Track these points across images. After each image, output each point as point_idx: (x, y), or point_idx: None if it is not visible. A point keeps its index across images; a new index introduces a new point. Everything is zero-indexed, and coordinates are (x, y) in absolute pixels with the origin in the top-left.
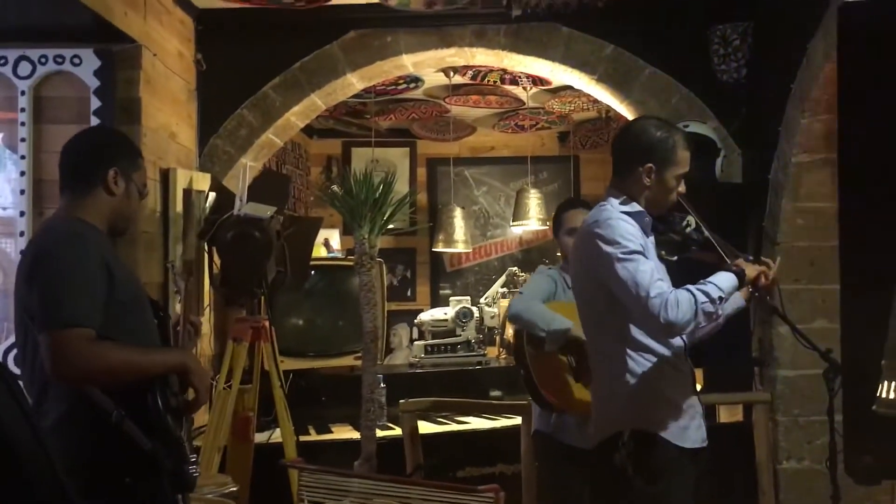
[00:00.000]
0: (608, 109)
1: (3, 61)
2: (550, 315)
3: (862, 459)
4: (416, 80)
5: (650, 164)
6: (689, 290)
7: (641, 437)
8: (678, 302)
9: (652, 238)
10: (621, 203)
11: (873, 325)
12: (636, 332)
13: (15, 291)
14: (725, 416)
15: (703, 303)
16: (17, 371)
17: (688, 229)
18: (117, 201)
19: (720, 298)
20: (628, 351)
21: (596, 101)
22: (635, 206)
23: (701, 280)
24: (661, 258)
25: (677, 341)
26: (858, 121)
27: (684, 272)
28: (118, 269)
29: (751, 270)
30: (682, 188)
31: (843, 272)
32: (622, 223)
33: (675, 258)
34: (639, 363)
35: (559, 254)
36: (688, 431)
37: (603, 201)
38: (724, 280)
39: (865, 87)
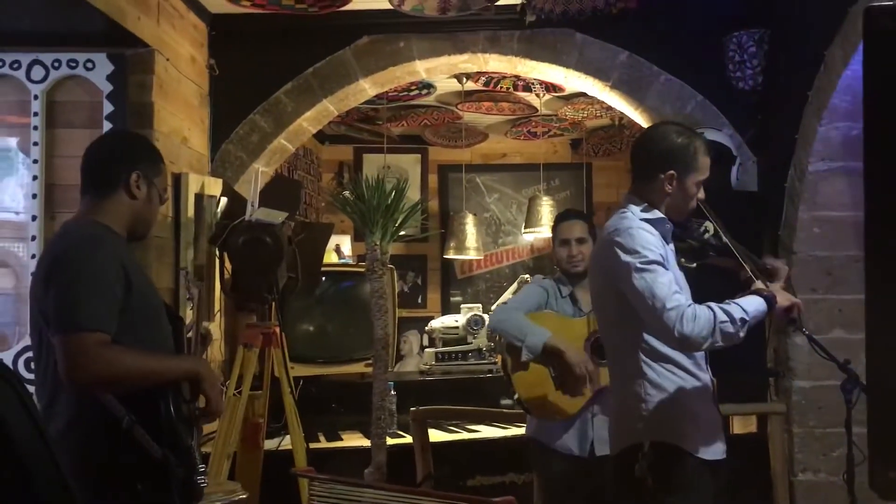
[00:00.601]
0: (621, 117)
1: (16, 65)
2: (528, 326)
3: (887, 474)
4: (428, 87)
5: (672, 171)
6: (710, 307)
7: (662, 448)
8: (695, 317)
9: (671, 245)
10: (642, 210)
11: None
12: (656, 343)
13: (31, 293)
14: (739, 427)
15: (722, 322)
16: (28, 376)
17: (706, 235)
18: (139, 205)
19: (742, 321)
20: (648, 361)
21: (609, 108)
22: (656, 213)
23: (726, 299)
24: (680, 265)
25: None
26: (885, 126)
27: (704, 279)
28: (136, 275)
29: (782, 299)
30: (701, 194)
31: (868, 281)
32: (643, 232)
33: (695, 265)
34: (659, 374)
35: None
36: (708, 443)
37: (622, 208)
38: (750, 303)
39: (892, 90)
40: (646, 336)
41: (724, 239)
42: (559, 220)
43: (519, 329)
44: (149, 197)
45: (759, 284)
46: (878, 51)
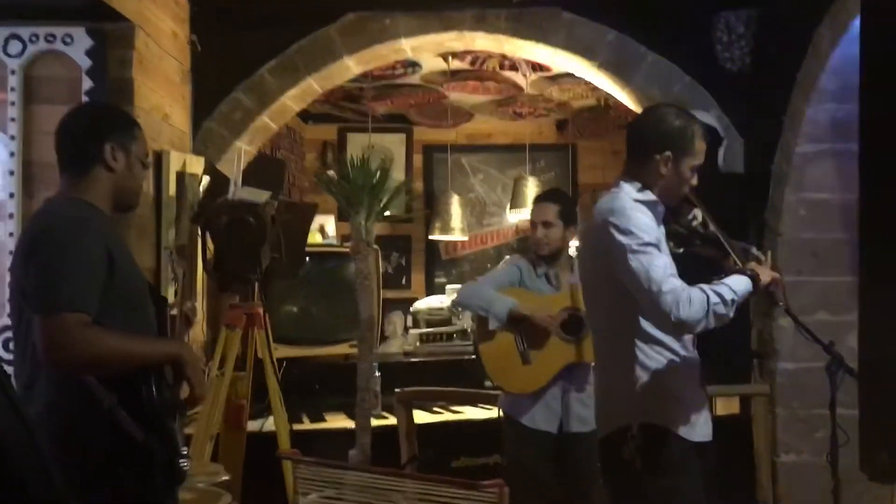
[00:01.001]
0: (607, 97)
1: None
2: (492, 295)
3: (879, 456)
4: (413, 66)
5: (668, 153)
6: (702, 289)
7: (651, 430)
8: (690, 300)
9: (662, 228)
10: (637, 191)
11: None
12: (647, 325)
13: (11, 272)
14: (722, 408)
15: (715, 304)
16: (7, 356)
17: (694, 223)
18: (118, 176)
19: (732, 301)
20: (638, 343)
21: (595, 89)
22: (649, 195)
23: (714, 279)
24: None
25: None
26: (882, 106)
27: (686, 266)
28: (120, 255)
29: (765, 275)
30: (694, 180)
31: (862, 263)
32: (638, 213)
33: (682, 251)
34: (649, 356)
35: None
36: (696, 425)
37: (614, 187)
38: (738, 283)
39: (889, 70)
40: (637, 318)
41: (712, 228)
42: (534, 202)
43: (484, 299)
44: (128, 166)
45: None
46: (876, 27)
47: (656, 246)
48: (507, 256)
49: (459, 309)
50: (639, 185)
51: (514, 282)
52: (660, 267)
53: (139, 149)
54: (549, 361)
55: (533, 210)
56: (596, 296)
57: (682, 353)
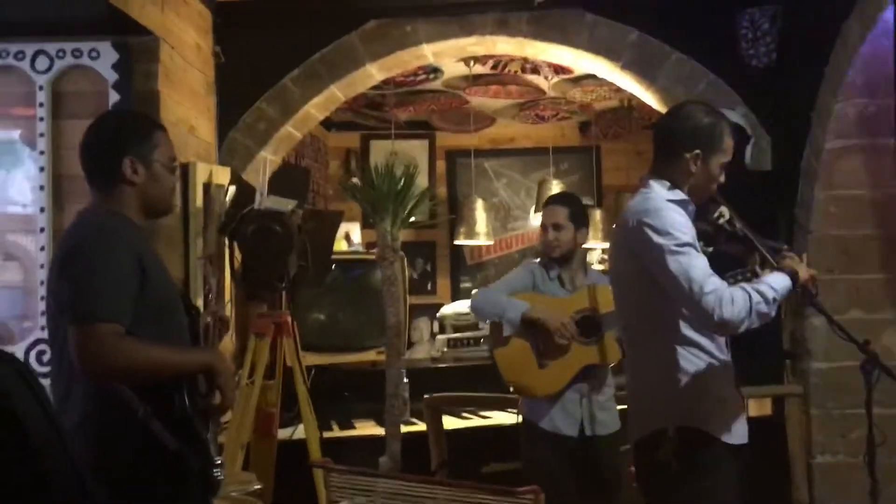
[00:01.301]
0: (630, 98)
1: (20, 56)
2: (506, 300)
3: None
4: (435, 71)
5: (698, 151)
6: (744, 288)
7: (688, 433)
8: (733, 300)
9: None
10: (667, 190)
11: None
12: (684, 327)
13: (47, 284)
14: (753, 409)
15: (757, 303)
16: (40, 369)
17: (720, 220)
18: (143, 188)
19: (774, 300)
20: (675, 346)
21: (618, 90)
22: (679, 194)
23: (740, 274)
24: None
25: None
26: None
27: (714, 264)
28: (152, 266)
29: (803, 272)
30: (722, 178)
31: None
32: (673, 213)
33: (710, 249)
34: (686, 359)
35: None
36: (733, 428)
37: (643, 187)
38: (778, 281)
39: None
40: (673, 320)
41: (738, 225)
42: (543, 205)
43: (497, 305)
44: (151, 176)
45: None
46: None
47: (693, 246)
48: (524, 261)
49: (475, 315)
50: (668, 183)
51: (527, 286)
52: (700, 267)
53: (162, 154)
54: (566, 364)
55: (543, 213)
56: (629, 297)
57: (718, 355)
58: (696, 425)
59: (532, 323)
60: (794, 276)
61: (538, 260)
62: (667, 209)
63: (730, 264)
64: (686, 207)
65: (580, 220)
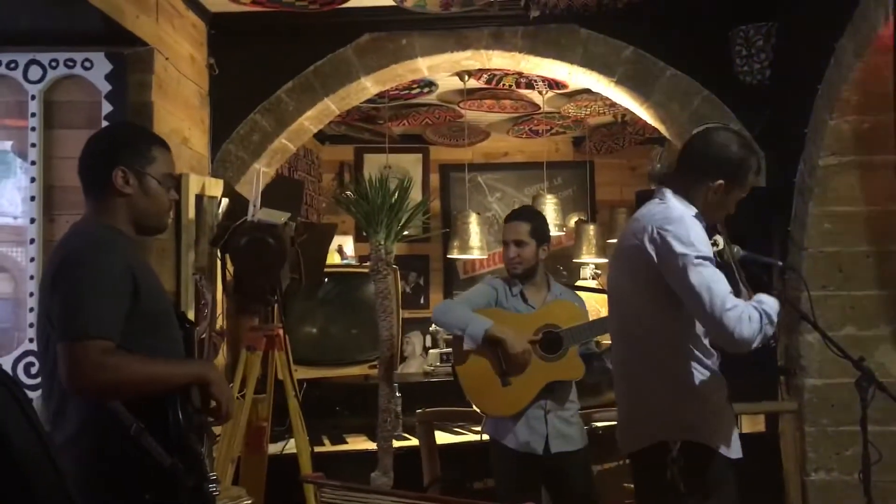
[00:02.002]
0: (624, 113)
1: (13, 65)
2: (469, 315)
3: None
4: (429, 85)
5: (721, 182)
6: (755, 307)
7: (694, 449)
8: (751, 318)
9: None
10: (681, 203)
11: None
12: (691, 341)
13: (39, 298)
14: (748, 426)
15: (765, 324)
16: (28, 381)
17: (714, 249)
18: (134, 200)
19: (773, 323)
20: (681, 360)
21: (612, 105)
22: (693, 209)
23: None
24: None
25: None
26: None
27: None
28: (145, 279)
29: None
30: (733, 210)
31: None
32: (697, 226)
33: None
34: (691, 373)
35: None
36: (733, 442)
37: (658, 196)
38: (774, 305)
39: None
40: (680, 333)
41: (727, 258)
42: (506, 220)
43: (461, 319)
44: (143, 189)
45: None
46: None
47: (711, 259)
48: (486, 277)
49: (437, 327)
50: (684, 200)
51: (490, 302)
52: (721, 282)
53: (157, 170)
54: (529, 381)
55: (504, 229)
56: (631, 308)
57: (715, 369)
58: (700, 440)
59: (494, 341)
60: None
61: (500, 276)
62: (689, 219)
63: None
64: (699, 223)
65: (542, 236)
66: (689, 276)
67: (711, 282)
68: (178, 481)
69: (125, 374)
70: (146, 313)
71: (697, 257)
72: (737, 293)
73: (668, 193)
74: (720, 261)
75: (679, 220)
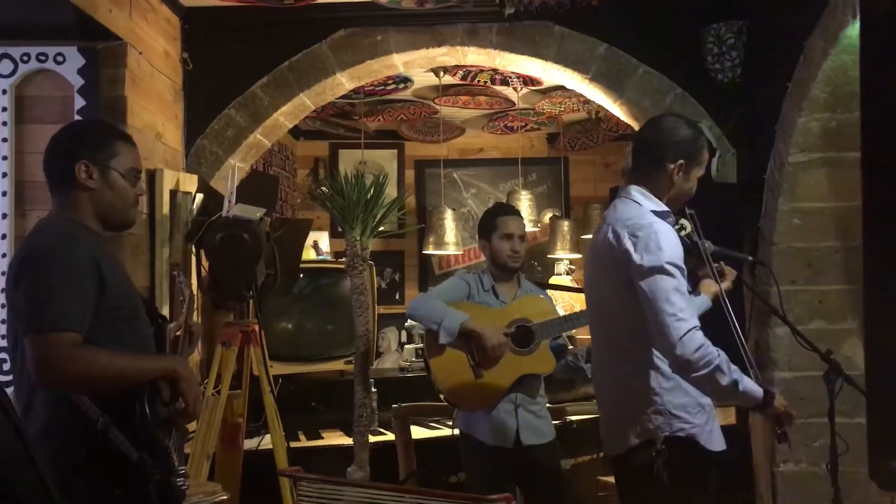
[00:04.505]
0: (598, 110)
1: None
2: (444, 309)
3: (888, 463)
4: (405, 81)
5: (681, 161)
6: (718, 350)
7: (677, 443)
8: (701, 345)
9: None
10: (650, 200)
11: None
12: None
13: (5, 294)
14: (720, 418)
15: (720, 370)
16: (1, 378)
17: (681, 232)
18: (98, 195)
19: (733, 385)
20: (660, 357)
21: (586, 102)
22: (661, 205)
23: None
24: None
25: None
26: (883, 113)
27: None
28: (111, 273)
29: (779, 403)
30: (695, 189)
31: (867, 267)
32: (666, 231)
33: None
34: (669, 370)
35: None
36: (716, 435)
37: (624, 194)
38: (750, 384)
39: (890, 77)
40: None
41: (695, 238)
42: (501, 214)
43: (436, 313)
44: (107, 183)
45: (708, 282)
46: (876, 34)
47: (681, 269)
48: (458, 270)
49: (412, 321)
50: (649, 193)
51: (462, 296)
52: (680, 293)
53: (121, 164)
54: (501, 375)
55: (507, 222)
56: (610, 304)
57: None
58: (685, 435)
59: (469, 334)
60: (769, 397)
61: (472, 271)
62: (656, 224)
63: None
64: (666, 218)
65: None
66: (648, 282)
67: (669, 291)
68: (146, 476)
69: (93, 367)
70: (113, 308)
71: (666, 263)
72: (698, 276)
73: (633, 190)
74: (689, 242)
75: (649, 226)
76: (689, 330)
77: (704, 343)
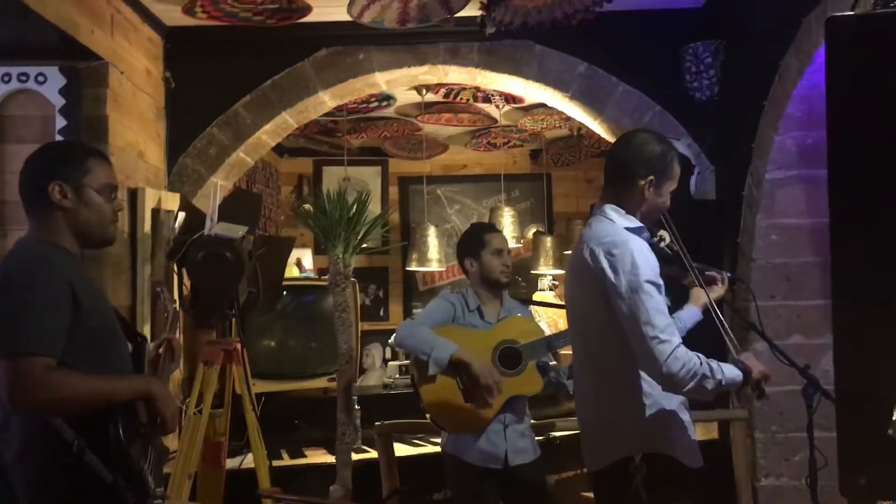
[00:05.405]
0: (580, 127)
1: None
2: (433, 339)
3: (858, 480)
4: (388, 99)
5: (651, 177)
6: (698, 356)
7: (656, 460)
8: (688, 360)
9: None
10: (623, 217)
11: (871, 338)
12: None
13: None
14: (701, 433)
15: (705, 376)
16: None
17: (661, 244)
18: (74, 214)
19: (719, 383)
20: (637, 374)
21: (568, 119)
22: (635, 221)
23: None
24: None
25: None
26: (848, 133)
27: None
28: (86, 294)
29: (756, 372)
30: (668, 203)
31: (835, 286)
32: (642, 248)
33: None
34: (651, 384)
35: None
36: (695, 451)
37: (598, 213)
38: (730, 371)
39: (855, 101)
40: None
41: (676, 248)
42: (488, 230)
43: (425, 342)
44: (82, 202)
45: (697, 291)
46: (840, 60)
47: (656, 284)
48: (442, 291)
49: (400, 349)
50: (622, 210)
51: (448, 318)
52: (661, 312)
53: (94, 180)
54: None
55: (497, 238)
56: (589, 322)
57: None
58: (663, 451)
59: (459, 364)
60: (746, 371)
61: (454, 291)
62: (631, 241)
63: (667, 286)
64: (641, 233)
65: None
66: (627, 301)
67: (650, 310)
68: (120, 498)
69: (66, 391)
70: (88, 328)
71: (644, 281)
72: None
73: (607, 208)
74: (669, 252)
75: (624, 244)
76: (672, 351)
77: (688, 359)
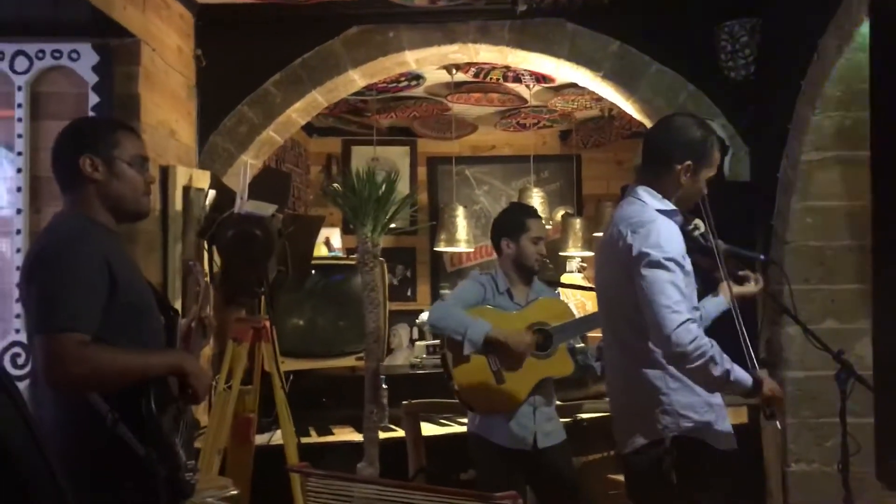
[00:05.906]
0: (611, 108)
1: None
2: (467, 319)
3: (895, 465)
4: (417, 78)
5: (689, 163)
6: (711, 341)
7: (686, 443)
8: (696, 337)
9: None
10: (657, 200)
11: None
12: None
13: (19, 291)
14: (730, 418)
15: (713, 360)
16: (15, 372)
17: (695, 233)
18: (106, 186)
19: (725, 375)
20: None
21: (599, 99)
22: (668, 204)
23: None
24: None
25: None
26: (893, 114)
27: None
28: (122, 269)
29: (767, 388)
30: (705, 190)
31: (875, 268)
32: (668, 227)
33: None
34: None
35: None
36: (725, 434)
37: (632, 195)
38: (741, 373)
39: None
40: None
41: (710, 238)
42: (531, 216)
43: (459, 323)
44: (113, 174)
45: (724, 287)
46: (885, 39)
47: (680, 263)
48: (472, 272)
49: (434, 332)
50: (657, 193)
51: (479, 300)
52: (677, 287)
53: (124, 152)
54: (523, 379)
55: (537, 225)
56: (621, 307)
57: None
58: (693, 435)
59: (494, 343)
60: (758, 383)
61: (484, 273)
62: (659, 220)
63: (698, 276)
64: (673, 217)
65: None
66: (646, 274)
67: (665, 283)
68: (152, 471)
69: (100, 367)
70: (124, 305)
71: (664, 258)
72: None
73: (640, 190)
74: (703, 244)
75: (651, 222)
76: (684, 322)
77: (698, 335)
